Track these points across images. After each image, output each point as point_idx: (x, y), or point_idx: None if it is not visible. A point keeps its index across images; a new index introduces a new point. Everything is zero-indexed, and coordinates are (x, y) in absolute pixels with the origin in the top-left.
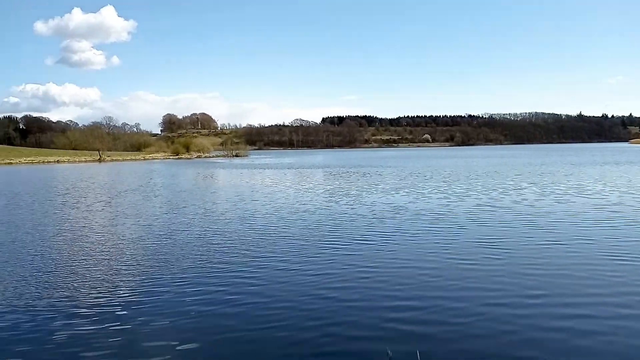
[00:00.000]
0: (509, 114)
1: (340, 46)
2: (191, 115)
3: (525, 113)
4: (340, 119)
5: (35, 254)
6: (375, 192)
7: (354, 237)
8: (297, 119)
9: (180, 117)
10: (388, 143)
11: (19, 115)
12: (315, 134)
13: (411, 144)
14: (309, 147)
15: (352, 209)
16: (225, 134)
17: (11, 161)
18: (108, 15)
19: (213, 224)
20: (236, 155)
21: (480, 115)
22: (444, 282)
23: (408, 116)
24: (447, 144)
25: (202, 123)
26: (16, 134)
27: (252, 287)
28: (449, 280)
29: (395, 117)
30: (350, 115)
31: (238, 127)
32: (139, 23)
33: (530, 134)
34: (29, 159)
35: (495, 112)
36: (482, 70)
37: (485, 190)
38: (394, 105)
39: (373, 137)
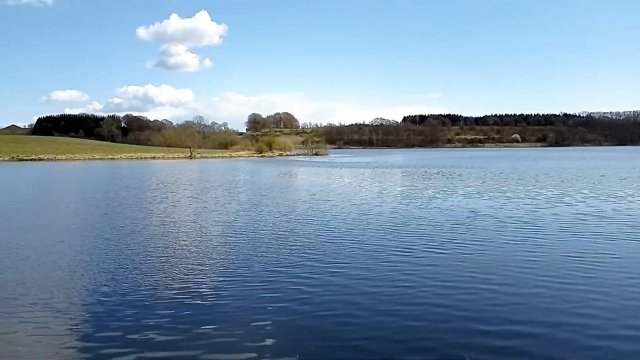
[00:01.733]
0: (610, 112)
1: (424, 43)
2: (275, 114)
3: (630, 112)
4: (422, 118)
5: (129, 243)
6: (455, 194)
7: (426, 241)
8: (377, 118)
9: (264, 116)
10: (473, 143)
11: (121, 115)
12: (395, 133)
13: (498, 144)
14: (389, 146)
15: (428, 211)
16: (306, 132)
17: (114, 156)
18: (202, 19)
19: (288, 221)
20: (316, 154)
21: (577, 114)
22: (525, 300)
23: (495, 114)
24: (538, 144)
25: (284, 122)
26: (118, 131)
27: (325, 285)
28: (532, 297)
29: (481, 116)
30: (432, 114)
31: (319, 126)
32: (230, 27)
33: (634, 134)
34: (128, 154)
35: (595, 111)
36: (579, 67)
37: (583, 196)
38: (480, 103)
39: (457, 137)
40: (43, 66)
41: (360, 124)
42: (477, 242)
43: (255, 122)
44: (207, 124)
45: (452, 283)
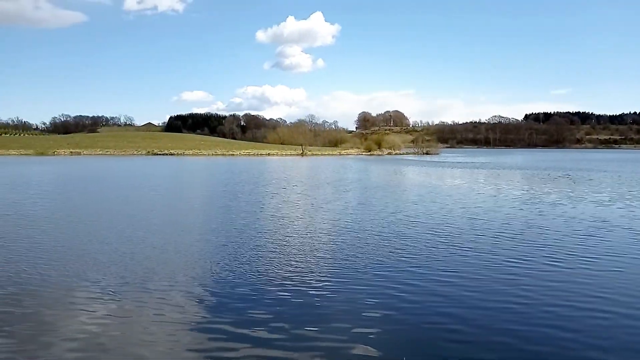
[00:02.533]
0: None
1: (548, 34)
2: (384, 112)
3: None
4: (547, 116)
5: (241, 237)
6: (583, 201)
7: (548, 253)
8: (494, 116)
9: (374, 114)
10: (606, 144)
11: (241, 114)
12: (515, 132)
13: (637, 145)
14: (508, 146)
15: (550, 219)
16: (416, 131)
17: (233, 153)
18: (317, 21)
19: (395, 222)
20: (426, 153)
21: None
22: None
23: (635, 112)
24: None
25: (394, 120)
26: (238, 129)
27: (433, 294)
28: None
29: (617, 114)
30: (559, 111)
31: (430, 124)
32: (343, 27)
33: None
34: (246, 151)
35: None
36: None
37: None
38: (615, 100)
39: (587, 137)
40: (175, 69)
41: (475, 122)
42: (609, 258)
43: (364, 121)
44: (318, 122)
45: (577, 303)
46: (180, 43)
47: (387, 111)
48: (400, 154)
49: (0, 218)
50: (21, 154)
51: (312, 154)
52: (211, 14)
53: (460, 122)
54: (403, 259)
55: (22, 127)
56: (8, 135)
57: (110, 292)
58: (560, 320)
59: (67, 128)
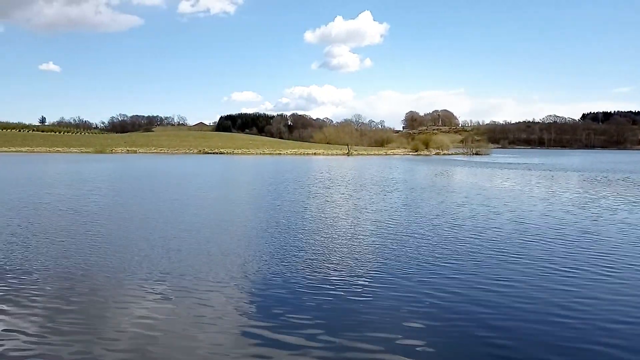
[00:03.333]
0: None
1: (607, 30)
2: (432, 112)
3: None
4: (607, 115)
5: (290, 234)
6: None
7: (608, 263)
8: (549, 115)
9: (422, 114)
10: None
11: (288, 114)
12: (571, 132)
13: None
14: (564, 146)
15: (608, 226)
16: (466, 131)
17: (280, 152)
18: (365, 20)
19: (442, 224)
20: (476, 153)
21: None
22: None
23: None
24: None
25: (442, 120)
26: (285, 129)
27: (484, 300)
28: None
29: None
30: (620, 110)
31: (480, 124)
32: (392, 26)
33: None
34: (293, 150)
35: None
36: None
37: None
38: None
39: None
40: (225, 70)
41: (528, 122)
42: None
43: (412, 120)
44: (364, 122)
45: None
46: (231, 44)
47: (436, 110)
48: (449, 155)
49: (56, 213)
50: (82, 152)
51: (358, 154)
52: (261, 15)
53: (512, 122)
54: (448, 264)
55: (83, 126)
56: (70, 133)
57: (157, 287)
58: (619, 338)
59: (124, 127)
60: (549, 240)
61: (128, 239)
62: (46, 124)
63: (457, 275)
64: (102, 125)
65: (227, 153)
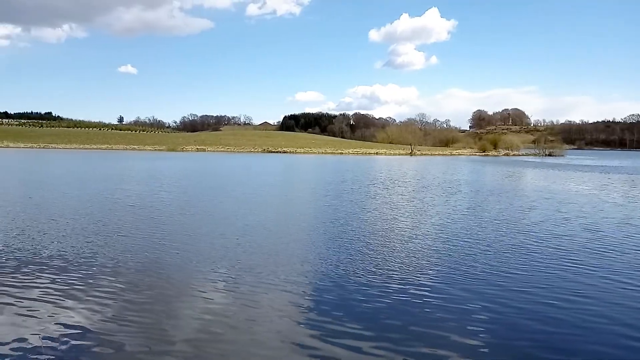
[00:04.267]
0: None
1: None
2: (502, 111)
3: None
4: None
5: (351, 233)
6: None
7: None
8: (632, 115)
9: (490, 113)
10: None
11: (351, 113)
12: None
13: None
14: None
15: None
16: (538, 130)
17: (342, 151)
18: (431, 17)
19: (506, 228)
20: (549, 154)
21: None
22: None
23: None
24: None
25: (513, 119)
26: (347, 128)
27: (543, 308)
28: None
29: None
30: None
31: (554, 123)
32: (460, 22)
33: None
34: (354, 150)
35: None
36: None
37: None
38: None
39: None
40: (290, 70)
41: (608, 122)
42: None
43: (479, 119)
44: (429, 121)
45: None
46: (296, 45)
47: (505, 109)
48: (519, 155)
49: (126, 207)
50: (155, 149)
51: (422, 154)
52: (326, 15)
53: (590, 121)
54: (512, 275)
55: (157, 126)
56: (145, 132)
57: (218, 282)
58: None
59: (194, 126)
60: (628, 252)
61: (192, 235)
62: (124, 123)
63: (522, 287)
64: (174, 124)
65: (290, 152)
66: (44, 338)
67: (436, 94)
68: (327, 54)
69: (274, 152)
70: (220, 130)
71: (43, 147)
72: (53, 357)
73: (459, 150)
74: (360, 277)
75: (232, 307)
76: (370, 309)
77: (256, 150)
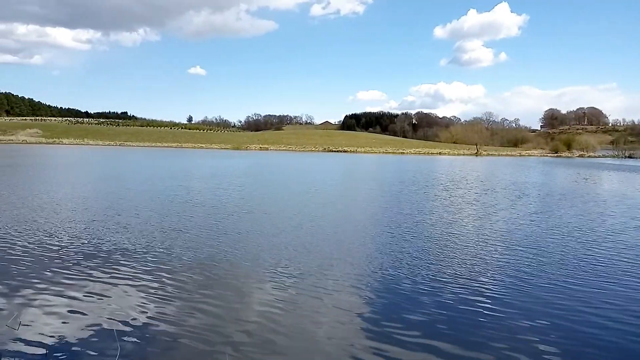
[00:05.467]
0: None
1: None
2: (577, 109)
3: None
4: None
5: (403, 236)
6: None
7: None
8: None
9: (563, 112)
10: None
11: (413, 112)
12: None
13: None
14: None
15: None
16: (617, 131)
17: (403, 151)
18: (501, 12)
19: (578, 237)
20: (629, 157)
21: None
22: None
23: None
24: None
25: (588, 118)
26: (409, 127)
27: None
28: None
29: None
30: None
31: (635, 122)
32: (531, 17)
33: None
34: (417, 149)
35: None
36: None
37: None
38: None
39: None
40: (352, 70)
41: None
42: None
43: (551, 119)
44: (496, 120)
45: None
46: (359, 44)
47: (581, 108)
48: (595, 157)
49: (189, 205)
50: (221, 148)
51: (488, 154)
52: (390, 14)
53: None
54: (584, 287)
55: (224, 125)
56: (212, 131)
57: (279, 279)
58: None
59: (257, 126)
60: None
61: (251, 233)
62: (192, 122)
63: (593, 303)
64: (239, 124)
65: (350, 151)
66: (103, 329)
67: (504, 91)
68: (390, 53)
69: (335, 151)
70: (283, 130)
71: (119, 145)
72: (115, 346)
73: (528, 151)
74: (417, 282)
75: (288, 305)
76: (427, 315)
77: (317, 149)
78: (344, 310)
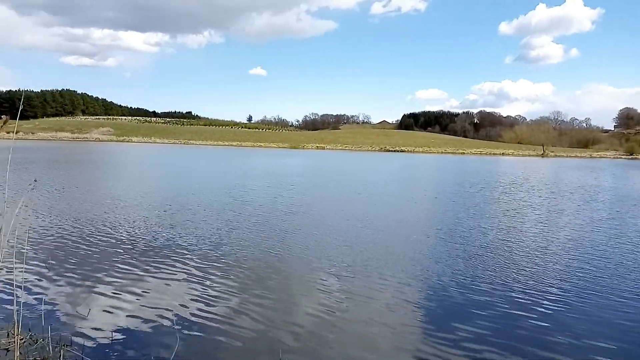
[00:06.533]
0: None
1: None
2: None
3: None
4: None
5: (459, 240)
6: None
7: None
8: None
9: None
10: None
11: (475, 111)
12: None
13: None
14: None
15: None
16: None
17: (464, 151)
18: (573, 6)
19: None
20: None
21: None
22: None
23: None
24: None
25: None
26: (470, 127)
27: None
28: None
29: None
30: None
31: None
32: (607, 10)
33: None
34: (478, 150)
35: None
36: None
37: None
38: None
39: None
40: (412, 68)
41: None
42: None
43: (627, 118)
44: (565, 119)
45: None
46: (419, 42)
47: None
48: None
49: (245, 204)
50: (279, 147)
51: (555, 156)
52: (452, 10)
53: None
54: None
55: (281, 124)
56: (271, 130)
57: (335, 278)
58: None
59: (315, 125)
60: None
61: (306, 231)
62: (252, 121)
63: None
64: (296, 123)
65: (408, 151)
66: (162, 321)
67: (575, 89)
68: (452, 50)
69: (392, 151)
70: (339, 129)
71: (183, 143)
72: (174, 338)
73: (600, 152)
74: (475, 287)
75: (343, 305)
76: (481, 322)
77: (373, 149)
78: (395, 313)
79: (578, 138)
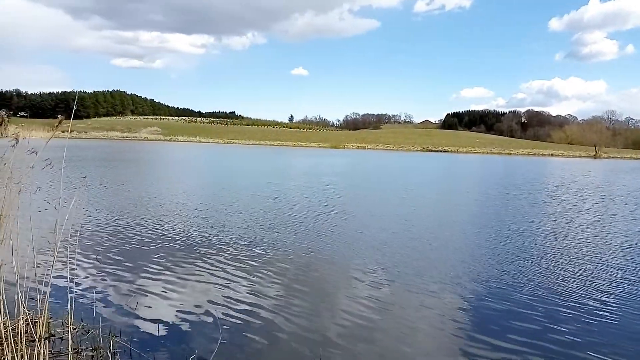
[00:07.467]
0: None
1: None
2: None
3: None
4: None
5: (506, 243)
6: None
7: None
8: None
9: None
10: None
11: (522, 110)
12: None
13: None
14: None
15: None
16: None
17: (510, 152)
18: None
19: None
20: None
21: None
22: None
23: None
24: None
25: None
26: (517, 127)
27: None
28: None
29: None
30: None
31: None
32: None
33: None
34: (525, 150)
35: None
36: None
37: None
38: None
39: None
40: (457, 66)
41: None
42: None
43: None
44: (619, 119)
45: None
46: (464, 40)
47: None
48: None
49: (294, 203)
50: (320, 146)
51: (609, 157)
52: (499, 6)
53: None
54: None
55: (322, 124)
56: (312, 130)
57: (374, 279)
58: None
59: (355, 125)
60: None
61: (348, 232)
62: (293, 121)
63: None
64: (337, 122)
65: (451, 151)
66: (206, 317)
67: (631, 87)
68: (498, 48)
69: (434, 151)
70: (381, 129)
71: (227, 142)
72: (217, 334)
73: None
74: (516, 294)
75: (384, 306)
76: (526, 328)
77: (415, 148)
78: (438, 315)
79: (633, 139)
